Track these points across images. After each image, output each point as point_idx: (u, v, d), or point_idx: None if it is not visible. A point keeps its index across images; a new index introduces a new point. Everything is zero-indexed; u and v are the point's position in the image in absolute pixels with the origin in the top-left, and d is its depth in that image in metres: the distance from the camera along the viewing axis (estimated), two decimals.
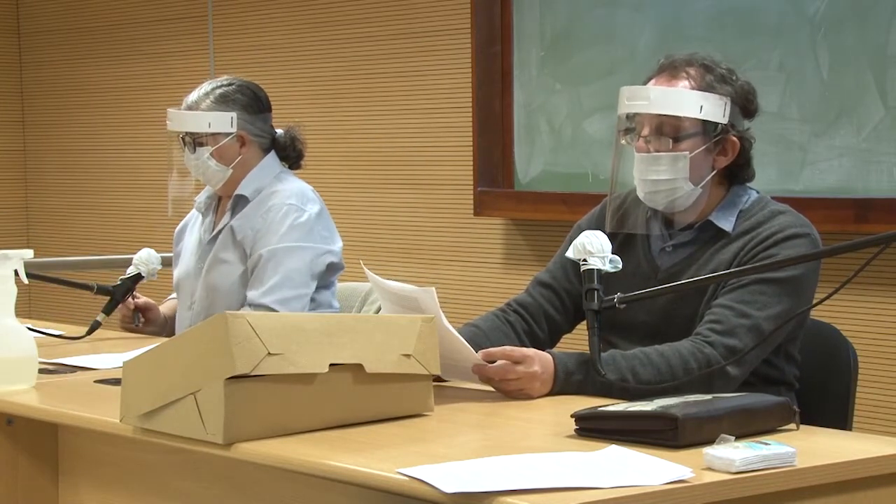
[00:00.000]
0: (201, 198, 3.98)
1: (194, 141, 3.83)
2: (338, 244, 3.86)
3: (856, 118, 4.23)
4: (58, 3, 7.17)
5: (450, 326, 2.71)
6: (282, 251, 3.75)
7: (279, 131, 3.94)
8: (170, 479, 2.70)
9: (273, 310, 3.66)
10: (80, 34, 7.07)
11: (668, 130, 2.93)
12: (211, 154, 3.82)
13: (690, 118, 2.92)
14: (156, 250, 3.90)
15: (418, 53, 5.57)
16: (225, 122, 3.81)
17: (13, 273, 2.94)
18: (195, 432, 2.38)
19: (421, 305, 2.70)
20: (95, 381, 3.02)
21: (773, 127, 4.31)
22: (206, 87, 3.87)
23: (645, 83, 3.01)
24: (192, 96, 3.86)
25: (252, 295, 3.73)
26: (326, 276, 3.82)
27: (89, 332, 3.68)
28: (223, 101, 3.83)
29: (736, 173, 3.00)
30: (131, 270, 3.82)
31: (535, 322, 3.09)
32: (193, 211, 4.02)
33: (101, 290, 3.77)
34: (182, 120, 3.85)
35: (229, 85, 3.86)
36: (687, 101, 2.92)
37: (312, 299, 3.80)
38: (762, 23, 4.44)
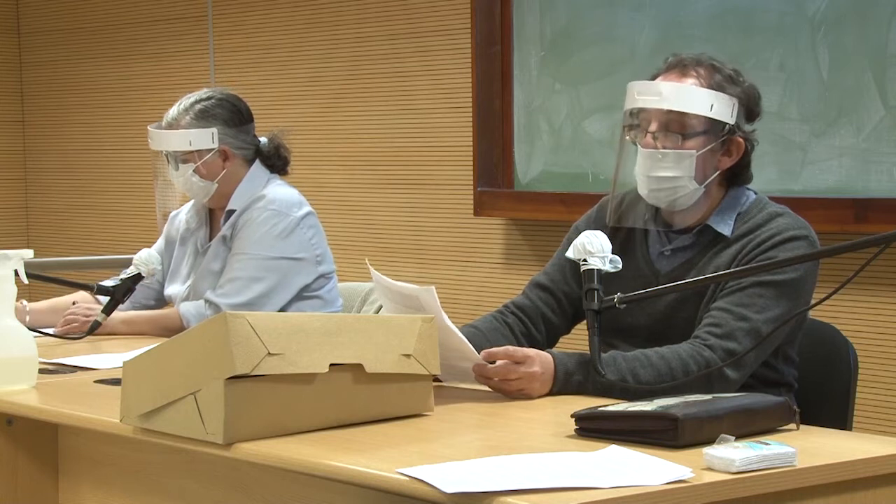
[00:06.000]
0: (190, 214, 3.96)
1: (177, 158, 3.83)
2: (318, 250, 3.83)
3: (856, 118, 4.23)
4: (58, 2, 7.17)
5: (451, 324, 2.71)
6: (246, 258, 3.75)
7: (263, 140, 3.92)
8: (170, 479, 2.70)
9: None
10: (80, 34, 7.07)
11: (677, 127, 2.91)
12: (194, 170, 3.81)
13: (700, 116, 2.90)
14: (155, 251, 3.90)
15: (418, 53, 5.57)
16: (206, 138, 3.81)
17: (13, 273, 2.94)
18: (195, 432, 2.38)
19: (422, 304, 2.70)
20: (95, 381, 3.02)
21: (773, 127, 4.31)
22: (185, 101, 3.86)
23: (652, 80, 2.99)
24: (172, 112, 3.86)
25: (208, 293, 3.74)
26: (315, 283, 3.81)
27: (89, 332, 3.68)
28: (203, 117, 3.82)
29: (736, 174, 2.99)
30: (131, 270, 3.82)
31: (533, 324, 3.08)
32: (183, 217, 3.99)
33: (101, 290, 3.77)
34: (163, 139, 3.85)
35: (208, 99, 3.85)
36: (698, 98, 2.90)
37: (319, 297, 3.80)
38: (762, 23, 4.43)
